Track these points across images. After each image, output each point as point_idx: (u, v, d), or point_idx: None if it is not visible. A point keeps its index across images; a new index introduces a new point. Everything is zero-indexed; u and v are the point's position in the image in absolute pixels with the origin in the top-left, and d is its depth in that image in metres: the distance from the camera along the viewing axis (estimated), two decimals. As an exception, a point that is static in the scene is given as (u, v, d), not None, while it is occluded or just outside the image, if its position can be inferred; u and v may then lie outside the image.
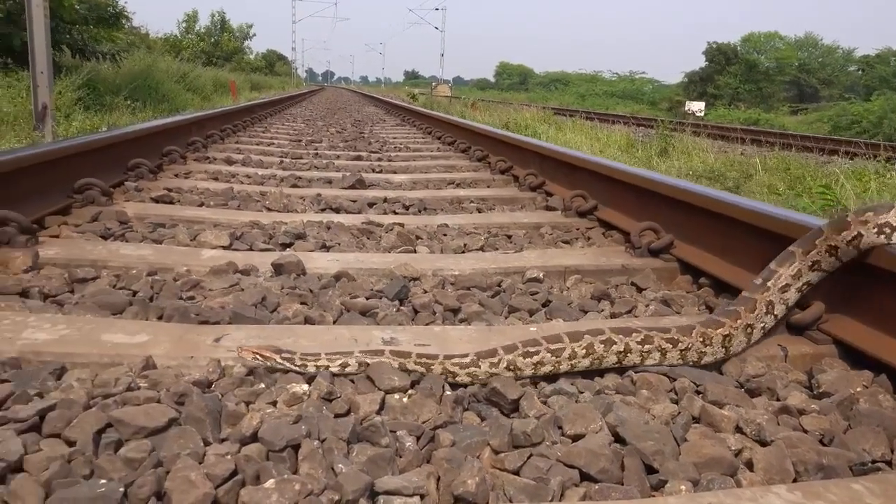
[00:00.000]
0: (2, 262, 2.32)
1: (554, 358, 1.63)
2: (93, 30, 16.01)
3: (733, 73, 56.12)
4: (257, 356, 1.59)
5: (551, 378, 1.67)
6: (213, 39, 50.57)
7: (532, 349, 1.62)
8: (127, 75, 15.97)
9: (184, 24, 49.55)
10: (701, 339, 1.72)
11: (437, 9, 62.98)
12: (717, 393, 1.55)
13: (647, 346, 1.69)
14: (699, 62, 63.88)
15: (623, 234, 3.17)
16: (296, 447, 1.30)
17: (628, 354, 1.68)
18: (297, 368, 1.59)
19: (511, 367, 1.61)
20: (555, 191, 4.12)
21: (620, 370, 1.71)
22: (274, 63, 75.94)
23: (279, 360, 1.59)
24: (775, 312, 1.84)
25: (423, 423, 1.41)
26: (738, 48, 58.51)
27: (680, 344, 1.71)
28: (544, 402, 1.52)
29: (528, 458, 1.29)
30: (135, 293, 2.15)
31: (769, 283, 1.84)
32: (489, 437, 1.34)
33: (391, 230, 3.20)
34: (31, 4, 8.95)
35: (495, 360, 1.60)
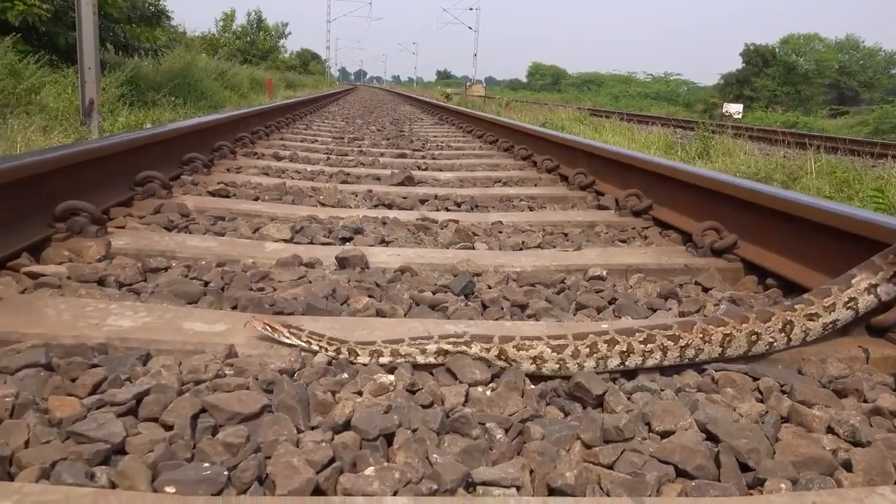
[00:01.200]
0: (75, 250, 2.36)
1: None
2: (135, 28, 16.31)
3: (771, 75, 55.25)
4: (267, 326, 1.66)
5: (629, 374, 1.66)
6: (248, 38, 51.14)
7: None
8: (167, 73, 16.21)
9: (221, 23, 50.22)
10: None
11: (471, 9, 62.97)
12: (805, 393, 1.53)
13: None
14: (735, 64, 62.95)
15: (681, 233, 3.14)
16: (389, 436, 1.31)
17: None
18: (302, 343, 1.65)
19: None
20: (606, 190, 4.09)
21: (700, 368, 1.69)
22: (308, 62, 76.56)
23: (287, 333, 1.65)
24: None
25: (511, 415, 1.41)
26: (777, 50, 57.58)
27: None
28: (628, 399, 1.51)
29: (622, 453, 1.28)
30: (206, 283, 2.18)
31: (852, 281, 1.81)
32: (580, 430, 1.34)
33: (446, 226, 3.20)
34: (81, 3, 9.12)
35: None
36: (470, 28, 62.62)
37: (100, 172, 3.06)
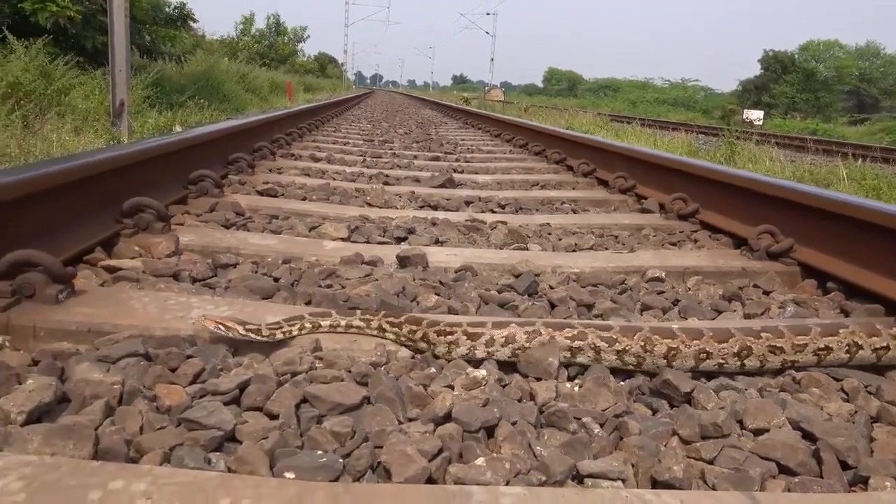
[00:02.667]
0: (144, 246, 2.41)
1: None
2: (160, 30, 16.47)
3: (790, 81, 54.95)
4: (219, 326, 1.59)
5: (709, 374, 1.67)
6: (267, 42, 51.48)
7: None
8: (190, 75, 16.35)
9: (240, 26, 50.59)
10: None
11: (488, 13, 63.01)
12: (892, 393, 1.54)
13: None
14: (754, 70, 62.61)
15: (731, 237, 3.15)
16: (489, 429, 1.33)
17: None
18: (263, 339, 1.62)
19: None
20: (648, 194, 4.10)
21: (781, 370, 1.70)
22: (325, 66, 76.94)
23: (242, 331, 1.59)
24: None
25: (604, 411, 1.43)
26: (796, 56, 57.25)
27: None
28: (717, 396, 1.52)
29: (722, 448, 1.29)
30: (276, 279, 2.21)
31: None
32: (677, 426, 1.35)
33: (496, 228, 3.23)
34: (114, 6, 9.24)
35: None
36: (487, 33, 62.76)
37: (157, 171, 3.11)
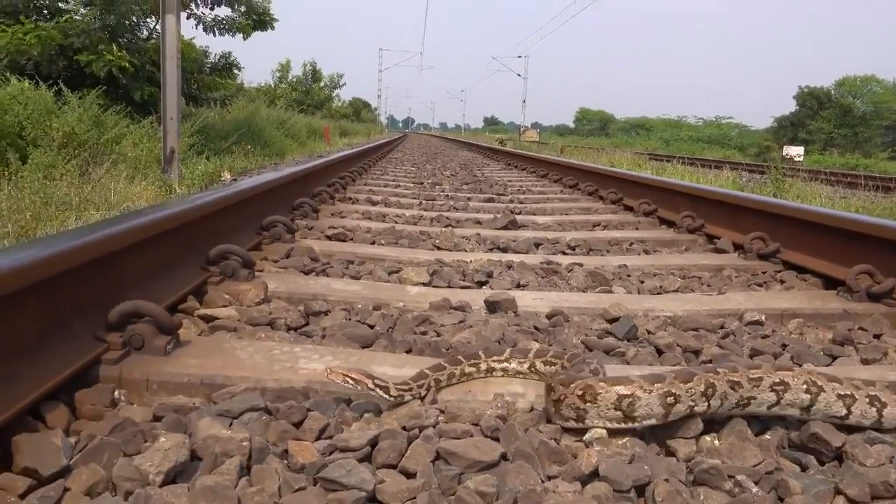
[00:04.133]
0: (233, 294, 2.39)
1: None
2: (206, 78, 16.91)
3: (826, 117, 54.38)
4: (347, 379, 1.51)
5: (849, 428, 1.57)
6: (304, 88, 52.60)
7: None
8: (232, 122, 16.71)
9: (278, 74, 51.82)
10: None
11: (519, 56, 63.78)
12: None
13: None
14: (789, 107, 62.16)
15: (820, 277, 3.04)
16: (639, 488, 1.25)
17: None
18: (390, 397, 1.53)
19: None
20: (719, 233, 4.00)
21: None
22: (360, 110, 78.31)
23: (371, 385, 1.52)
24: None
25: (755, 467, 1.34)
26: (832, 92, 56.73)
27: None
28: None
29: (897, 510, 1.20)
30: (372, 326, 2.17)
31: None
32: (842, 485, 1.26)
33: (572, 270, 3.16)
34: (166, 57, 9.51)
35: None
36: (519, 75, 63.37)
37: (234, 218, 3.12)
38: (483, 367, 1.72)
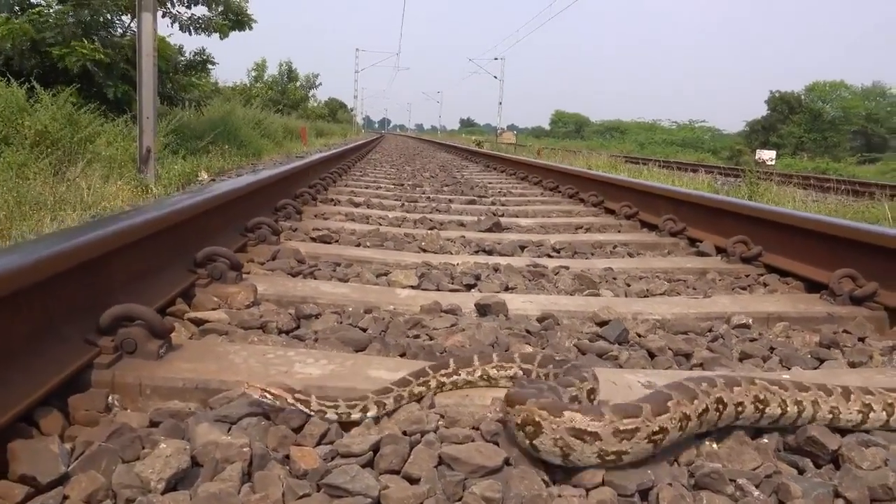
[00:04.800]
0: (221, 296, 2.36)
1: None
2: (182, 77, 16.72)
3: (797, 122, 55.18)
4: (265, 394, 1.43)
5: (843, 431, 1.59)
6: (280, 88, 52.24)
7: None
8: (207, 122, 16.52)
9: (253, 73, 51.42)
10: None
11: (496, 58, 63.94)
12: None
13: None
14: (760, 111, 63.09)
15: (802, 280, 3.08)
16: (643, 492, 1.26)
17: None
18: (311, 412, 1.44)
19: None
20: (701, 237, 4.04)
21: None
22: (336, 111, 77.96)
23: (290, 399, 1.44)
24: None
25: (754, 470, 1.35)
26: (802, 97, 57.62)
27: None
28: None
29: (896, 513, 1.22)
30: (364, 330, 2.16)
31: None
32: (841, 488, 1.28)
33: (558, 273, 3.17)
34: (143, 54, 9.37)
35: None
36: (495, 77, 63.56)
37: (218, 220, 3.08)
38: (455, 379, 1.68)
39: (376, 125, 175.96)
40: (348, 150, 13.70)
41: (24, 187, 7.28)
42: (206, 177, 10.49)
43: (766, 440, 1.48)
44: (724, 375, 1.50)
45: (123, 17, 15.07)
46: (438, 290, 2.77)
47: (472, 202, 6.23)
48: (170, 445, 1.25)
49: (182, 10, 15.81)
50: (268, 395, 1.43)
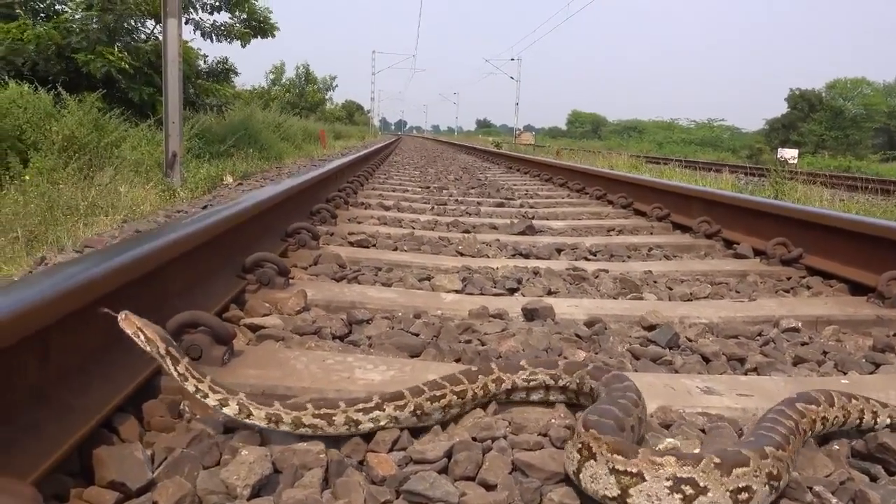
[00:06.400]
0: (271, 302, 2.39)
1: None
2: (205, 83, 16.88)
3: (818, 120, 54.70)
4: (139, 333, 1.37)
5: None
6: (297, 90, 52.55)
7: None
8: (229, 126, 16.66)
9: (271, 76, 51.78)
10: None
11: (512, 59, 63.92)
12: None
13: None
14: (780, 109, 62.51)
15: (846, 282, 3.06)
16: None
17: None
18: (176, 374, 1.37)
19: None
20: (738, 239, 4.02)
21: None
22: (353, 113, 78.32)
23: (162, 350, 1.37)
24: None
25: (827, 477, 1.35)
26: (823, 95, 57.08)
27: None
28: (936, 460, 1.43)
29: (979, 520, 1.21)
30: (416, 335, 2.17)
31: None
32: (922, 496, 1.27)
33: (598, 276, 3.17)
34: (168, 61, 9.47)
35: None
36: (512, 78, 63.51)
37: (259, 227, 3.11)
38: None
39: (392, 127, 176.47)
40: (371, 154, 13.75)
41: (55, 192, 7.39)
42: (231, 180, 10.56)
43: (836, 447, 1.47)
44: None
45: (147, 23, 15.24)
46: (482, 294, 2.78)
47: (500, 205, 6.24)
48: (252, 452, 1.27)
49: (205, 16, 15.95)
50: (141, 336, 1.38)
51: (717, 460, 1.15)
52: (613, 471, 1.16)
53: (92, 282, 1.46)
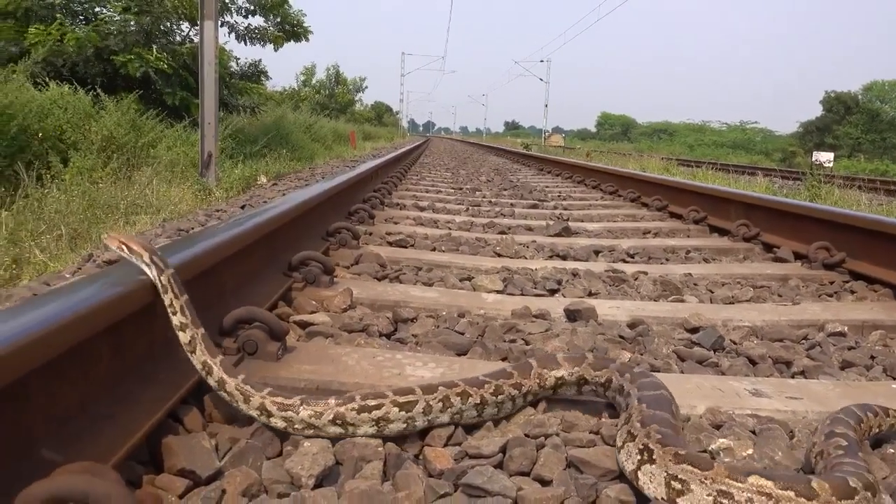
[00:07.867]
0: (318, 299, 2.43)
1: None
2: (238, 83, 17.07)
3: (854, 122, 53.70)
4: (123, 247, 1.43)
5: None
6: (327, 92, 52.94)
7: None
8: (260, 126, 16.84)
9: (302, 78, 52.23)
10: None
11: (542, 61, 63.72)
12: None
13: None
14: (815, 111, 61.51)
15: (890, 287, 3.02)
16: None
17: None
18: (160, 284, 1.42)
19: None
20: (776, 242, 3.99)
21: None
22: (382, 114, 78.76)
23: (147, 259, 1.41)
24: None
25: (884, 479, 1.35)
26: (859, 97, 56.05)
27: None
28: None
29: None
30: (462, 334, 2.20)
31: None
32: (980, 500, 1.27)
33: (638, 278, 3.18)
34: (205, 62, 9.60)
35: None
36: (541, 79, 63.30)
37: (301, 227, 3.16)
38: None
39: (420, 128, 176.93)
40: (402, 155, 13.82)
41: (95, 192, 7.56)
42: (265, 181, 10.70)
43: (890, 450, 1.47)
44: None
45: (183, 25, 15.47)
46: (523, 294, 2.80)
47: (534, 206, 6.25)
48: (314, 444, 1.31)
49: (239, 19, 16.14)
50: (125, 249, 1.43)
51: None
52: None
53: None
